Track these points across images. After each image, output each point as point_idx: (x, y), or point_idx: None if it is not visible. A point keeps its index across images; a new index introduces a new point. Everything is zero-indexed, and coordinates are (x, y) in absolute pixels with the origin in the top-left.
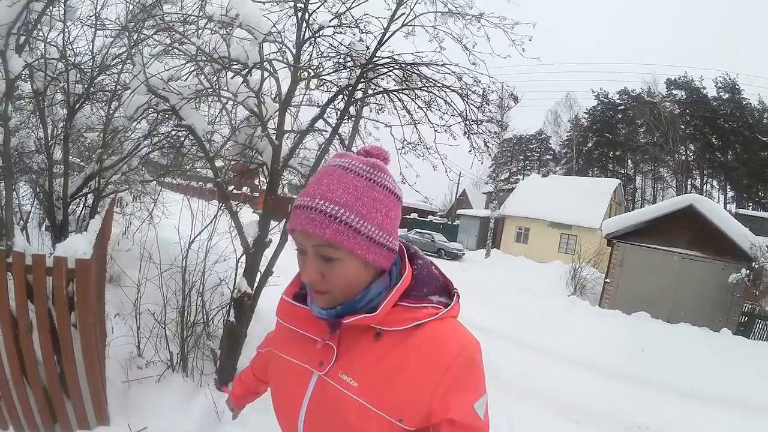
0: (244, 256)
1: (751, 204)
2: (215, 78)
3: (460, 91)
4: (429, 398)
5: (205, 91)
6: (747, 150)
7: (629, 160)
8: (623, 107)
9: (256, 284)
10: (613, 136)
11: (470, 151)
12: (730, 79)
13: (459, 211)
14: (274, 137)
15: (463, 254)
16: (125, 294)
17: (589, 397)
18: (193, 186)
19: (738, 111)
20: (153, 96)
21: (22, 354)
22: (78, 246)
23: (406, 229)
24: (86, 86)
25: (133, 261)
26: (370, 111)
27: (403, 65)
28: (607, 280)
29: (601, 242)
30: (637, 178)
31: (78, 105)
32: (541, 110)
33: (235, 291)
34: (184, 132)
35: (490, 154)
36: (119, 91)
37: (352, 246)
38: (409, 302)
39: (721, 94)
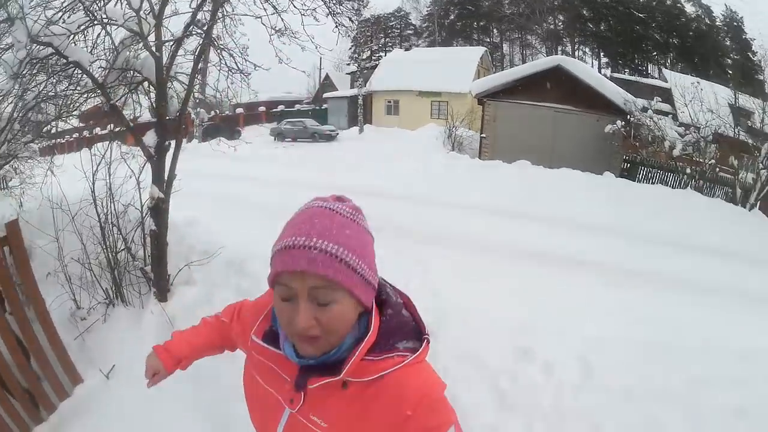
0: (148, 164)
1: (627, 70)
2: (96, 8)
3: None
4: None
5: (90, 23)
6: (621, 22)
7: (495, 30)
8: None
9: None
10: (477, 8)
11: (334, 29)
12: None
13: (325, 95)
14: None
15: (337, 134)
16: (46, 253)
17: (493, 234)
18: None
19: None
20: (34, 45)
21: None
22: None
23: (275, 123)
24: None
25: (44, 221)
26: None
27: None
28: (483, 135)
29: (472, 103)
30: (504, 45)
31: None
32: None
33: (149, 200)
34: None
35: (351, 32)
36: None
37: (351, 285)
38: (374, 356)
39: None
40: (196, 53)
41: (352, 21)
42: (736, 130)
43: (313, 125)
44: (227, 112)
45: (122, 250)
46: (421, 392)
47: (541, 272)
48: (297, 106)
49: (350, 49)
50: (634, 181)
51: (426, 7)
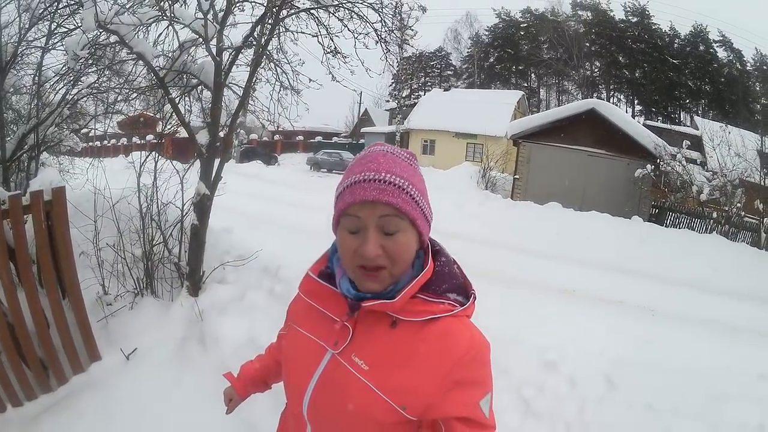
0: (192, 166)
1: (659, 118)
2: (166, 5)
3: (374, 5)
4: (433, 391)
5: (159, 17)
6: (655, 69)
7: (533, 74)
8: (526, 25)
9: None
10: (516, 52)
11: (382, 57)
12: (639, 4)
13: (363, 129)
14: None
15: None
16: (81, 234)
17: (523, 272)
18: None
19: (647, 34)
20: (101, 32)
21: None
22: (51, 177)
23: (311, 153)
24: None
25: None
26: (287, 30)
27: None
28: (516, 176)
29: (507, 146)
30: (541, 90)
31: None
32: (439, 28)
33: (194, 196)
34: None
35: (394, 67)
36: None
37: (416, 216)
38: (427, 296)
39: (630, 17)
40: (252, 64)
41: (401, 48)
42: (763, 175)
43: (349, 158)
44: (265, 138)
45: (159, 243)
46: (469, 344)
47: (570, 309)
48: (334, 139)
49: (390, 85)
50: (662, 226)
51: (467, 49)
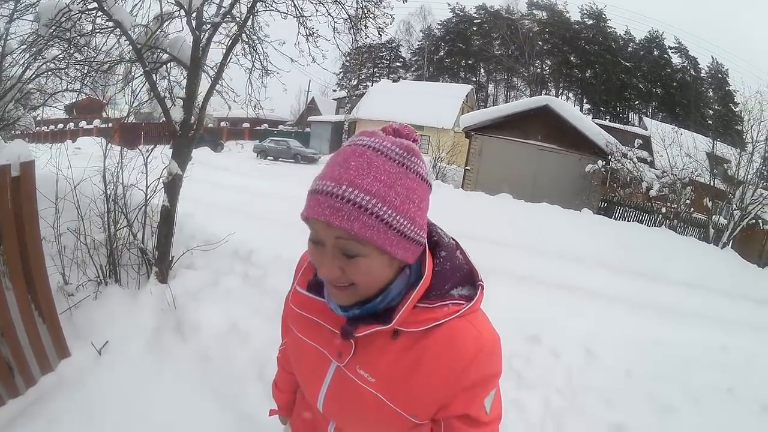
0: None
1: (608, 117)
2: None
3: None
4: (442, 396)
5: None
6: (607, 70)
7: (482, 69)
8: (479, 21)
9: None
10: (467, 47)
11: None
12: (596, 8)
13: (310, 118)
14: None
15: (319, 158)
16: (42, 219)
17: (477, 255)
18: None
19: (602, 36)
20: None
21: None
22: (18, 150)
23: (257, 141)
24: None
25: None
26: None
27: None
28: (468, 168)
29: (454, 139)
30: (489, 85)
31: None
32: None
33: (165, 176)
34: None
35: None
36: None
37: (382, 242)
38: (428, 302)
39: (585, 20)
40: (229, 43)
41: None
42: (712, 176)
43: (297, 146)
44: (211, 125)
45: (123, 227)
46: (477, 345)
47: (531, 293)
48: (280, 127)
49: (338, 74)
50: (611, 218)
51: (418, 41)
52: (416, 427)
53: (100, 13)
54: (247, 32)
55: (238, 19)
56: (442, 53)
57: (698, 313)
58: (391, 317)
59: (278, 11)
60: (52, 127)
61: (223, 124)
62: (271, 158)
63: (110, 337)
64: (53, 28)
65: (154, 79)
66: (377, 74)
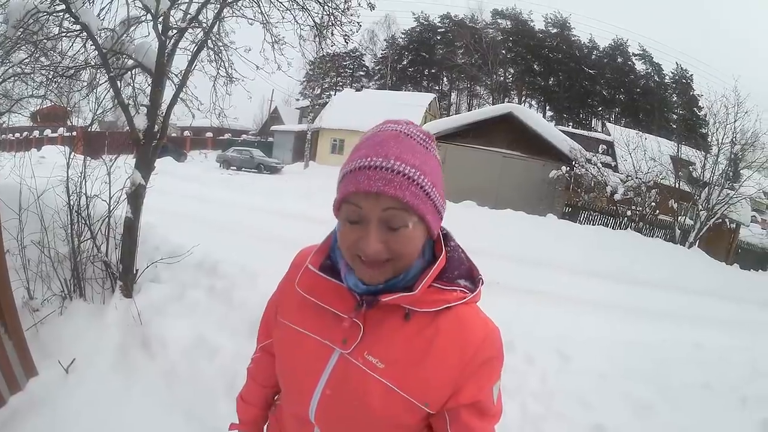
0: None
1: (571, 124)
2: None
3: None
4: (454, 382)
5: None
6: (571, 78)
7: (445, 78)
8: (443, 30)
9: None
10: (430, 56)
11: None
12: (561, 16)
13: (273, 127)
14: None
15: (282, 167)
16: (6, 230)
17: None
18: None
19: (565, 44)
20: None
21: None
22: None
23: (220, 150)
24: None
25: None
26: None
27: None
28: None
29: None
30: (452, 94)
31: None
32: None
33: (128, 186)
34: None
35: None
36: None
37: (425, 211)
38: (441, 284)
39: (550, 28)
40: (195, 50)
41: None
42: (677, 179)
43: (260, 156)
44: (174, 134)
45: (87, 239)
46: (484, 331)
47: (499, 298)
48: (243, 136)
49: (301, 83)
50: (576, 223)
51: (381, 50)
52: (420, 421)
53: (67, 16)
54: (213, 38)
55: (204, 25)
56: (405, 62)
57: (668, 312)
58: (413, 289)
59: (245, 17)
60: (17, 134)
61: (186, 133)
62: (234, 168)
63: (77, 354)
64: (21, 30)
65: (119, 85)
66: (340, 83)
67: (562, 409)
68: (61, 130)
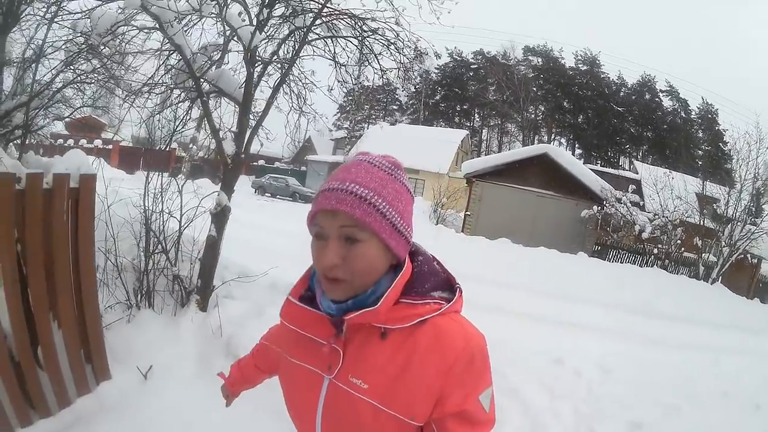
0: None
1: (599, 162)
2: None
3: (396, 44)
4: (436, 394)
5: (209, 14)
6: (600, 115)
7: (476, 115)
8: (476, 66)
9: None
10: (463, 92)
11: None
12: (591, 53)
13: (308, 157)
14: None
15: None
16: None
17: (481, 297)
18: None
19: (595, 81)
20: (139, 11)
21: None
22: (78, 161)
23: (254, 176)
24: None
25: None
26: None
27: (353, 16)
28: (468, 213)
29: (449, 185)
30: (483, 130)
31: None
32: (392, 63)
33: (215, 206)
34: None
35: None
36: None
37: (379, 228)
38: (410, 299)
39: (580, 65)
40: (276, 82)
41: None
42: (702, 216)
43: (295, 185)
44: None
45: (158, 252)
46: (464, 340)
47: (536, 329)
48: (277, 164)
49: (335, 115)
50: (605, 261)
51: (415, 86)
52: (420, 430)
53: (153, 35)
54: (293, 74)
55: (285, 60)
56: (438, 97)
57: (690, 342)
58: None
59: (323, 56)
60: (51, 141)
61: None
62: (269, 195)
63: (153, 361)
64: (106, 40)
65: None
66: (373, 116)
67: (607, 409)
68: (97, 141)
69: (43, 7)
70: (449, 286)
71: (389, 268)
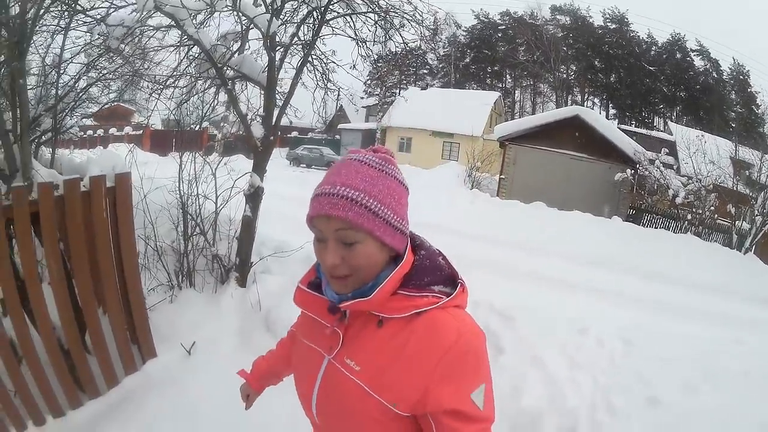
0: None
1: (633, 122)
2: None
3: (415, 18)
4: (423, 385)
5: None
6: (631, 75)
7: (508, 76)
8: (504, 27)
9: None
10: (492, 53)
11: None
12: (619, 12)
13: (341, 126)
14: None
15: None
16: None
17: (520, 264)
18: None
19: (624, 40)
20: (153, 12)
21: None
22: (113, 161)
23: (288, 148)
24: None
25: None
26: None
27: None
28: (503, 177)
29: (483, 147)
30: (516, 92)
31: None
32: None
33: (248, 188)
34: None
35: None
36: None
37: (371, 227)
38: (409, 291)
39: (609, 24)
40: (299, 64)
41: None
42: (735, 181)
43: (330, 154)
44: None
45: (197, 234)
46: (456, 336)
47: (568, 297)
48: (310, 134)
49: (364, 82)
50: (639, 225)
51: (444, 48)
52: (396, 418)
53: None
54: (315, 54)
55: (305, 42)
56: (467, 60)
57: (717, 315)
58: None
59: (344, 34)
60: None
61: None
62: (304, 166)
63: (196, 338)
64: (126, 41)
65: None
66: (404, 81)
67: (626, 382)
68: (127, 128)
69: (55, 17)
70: (452, 281)
71: (390, 260)
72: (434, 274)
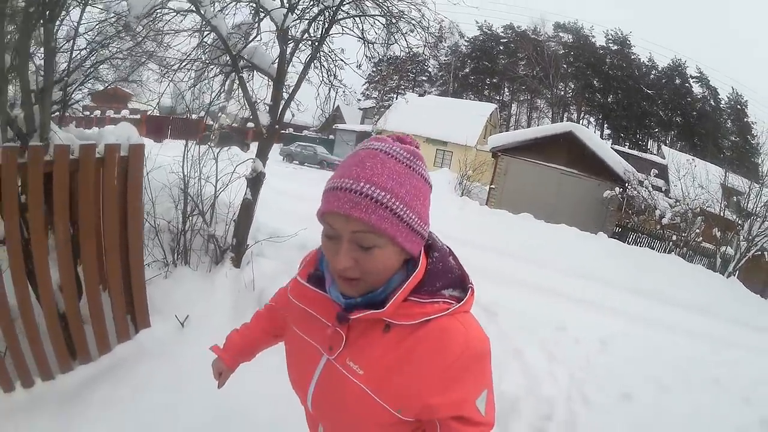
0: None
1: (627, 144)
2: None
3: (421, 25)
4: (429, 393)
5: None
6: (629, 96)
7: (506, 89)
8: (506, 40)
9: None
10: (492, 65)
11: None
12: (621, 33)
13: (336, 126)
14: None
15: None
16: None
17: (504, 269)
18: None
19: (625, 62)
20: None
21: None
22: (127, 132)
23: (282, 144)
24: None
25: None
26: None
27: None
28: (493, 186)
29: (476, 156)
30: (513, 105)
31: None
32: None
33: (251, 172)
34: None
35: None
36: None
37: (395, 233)
38: (420, 297)
39: (610, 45)
40: (307, 59)
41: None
42: (723, 207)
43: (323, 153)
44: (235, 124)
45: (195, 214)
46: (464, 344)
47: (557, 302)
48: (305, 132)
49: (363, 85)
50: (624, 243)
51: (445, 57)
52: (398, 422)
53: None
54: (323, 51)
55: (315, 38)
56: (467, 70)
57: (695, 332)
58: (385, 304)
59: (351, 34)
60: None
61: (249, 125)
62: (297, 162)
63: (189, 312)
64: (143, 23)
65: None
66: (402, 87)
67: (600, 378)
68: (124, 112)
69: None
70: (461, 284)
71: (403, 263)
72: (446, 277)
